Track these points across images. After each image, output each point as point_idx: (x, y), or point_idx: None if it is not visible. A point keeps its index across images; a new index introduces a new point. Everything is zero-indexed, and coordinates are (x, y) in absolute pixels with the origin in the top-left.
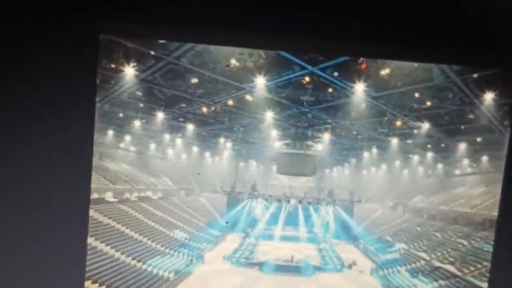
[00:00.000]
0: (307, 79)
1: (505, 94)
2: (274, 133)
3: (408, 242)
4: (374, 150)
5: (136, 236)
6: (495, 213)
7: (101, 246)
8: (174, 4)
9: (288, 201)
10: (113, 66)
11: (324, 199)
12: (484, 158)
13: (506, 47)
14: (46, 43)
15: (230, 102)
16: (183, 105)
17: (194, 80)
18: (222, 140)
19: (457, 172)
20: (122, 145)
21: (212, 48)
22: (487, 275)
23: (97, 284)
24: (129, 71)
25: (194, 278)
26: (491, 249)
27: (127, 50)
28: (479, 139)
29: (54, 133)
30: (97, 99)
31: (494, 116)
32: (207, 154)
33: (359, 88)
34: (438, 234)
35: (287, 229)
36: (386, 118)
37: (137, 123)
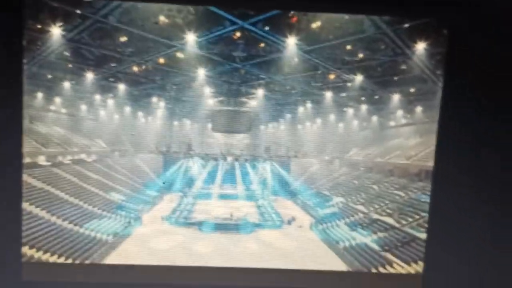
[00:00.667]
0: (238, 34)
1: (436, 43)
2: (208, 90)
3: (345, 196)
4: (309, 105)
5: (71, 199)
6: (430, 163)
7: (36, 210)
8: None
9: (225, 159)
10: (39, 26)
11: (260, 155)
12: (418, 109)
13: None
14: None
15: (161, 60)
16: (113, 64)
17: (123, 39)
18: (154, 99)
19: (392, 123)
20: (52, 107)
21: (140, 5)
22: (425, 225)
23: (34, 249)
24: (56, 31)
25: (133, 240)
26: (428, 200)
27: (53, 9)
28: (412, 90)
29: None
30: (24, 61)
31: (427, 66)
32: (140, 114)
33: (291, 42)
34: (375, 187)
35: (225, 187)
36: (319, 72)
37: (66, 85)
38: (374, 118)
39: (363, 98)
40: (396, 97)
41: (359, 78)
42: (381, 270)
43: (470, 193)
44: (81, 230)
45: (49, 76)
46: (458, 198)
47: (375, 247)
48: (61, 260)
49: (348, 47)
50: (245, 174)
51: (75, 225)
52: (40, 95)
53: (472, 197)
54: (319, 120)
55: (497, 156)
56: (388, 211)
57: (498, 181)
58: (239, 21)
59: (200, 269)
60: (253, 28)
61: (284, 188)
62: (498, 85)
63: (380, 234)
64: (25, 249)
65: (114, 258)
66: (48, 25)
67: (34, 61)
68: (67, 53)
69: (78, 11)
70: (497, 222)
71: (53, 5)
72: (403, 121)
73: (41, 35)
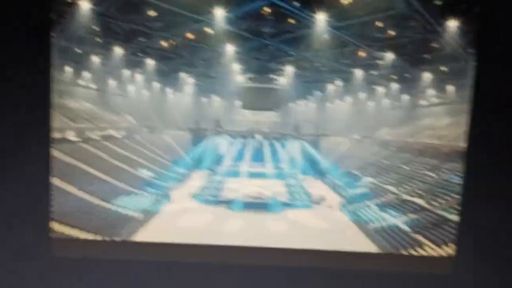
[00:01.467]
0: (267, 9)
1: (469, 21)
2: (236, 66)
3: (376, 176)
4: (338, 82)
5: (101, 175)
6: (463, 144)
7: (66, 186)
8: None
9: (254, 137)
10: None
11: (290, 133)
12: (450, 88)
13: None
14: None
15: (190, 36)
16: (142, 39)
17: (152, 13)
18: (183, 75)
19: (423, 102)
20: (81, 82)
21: None
22: (457, 207)
23: (63, 225)
24: (85, 5)
25: (162, 217)
26: (460, 181)
27: None
28: (444, 68)
29: (10, 72)
30: (53, 34)
31: (459, 44)
32: (169, 90)
33: (321, 18)
34: (406, 167)
35: (254, 165)
36: (349, 49)
37: (95, 59)
38: (405, 97)
39: (393, 76)
40: (427, 76)
41: (389, 56)
42: (412, 252)
43: (503, 174)
44: (110, 206)
45: (78, 50)
46: (491, 179)
47: (406, 228)
48: (90, 236)
49: (379, 24)
50: (274, 152)
51: (104, 201)
52: (69, 69)
53: (505, 178)
54: (348, 98)
55: None
56: (419, 192)
57: None
58: None
59: (229, 248)
60: (282, 4)
61: (313, 167)
62: None
63: (411, 216)
64: (54, 225)
65: (143, 235)
66: None
67: (63, 34)
68: (95, 27)
69: None
70: None
71: None
72: (435, 100)
73: (70, 8)
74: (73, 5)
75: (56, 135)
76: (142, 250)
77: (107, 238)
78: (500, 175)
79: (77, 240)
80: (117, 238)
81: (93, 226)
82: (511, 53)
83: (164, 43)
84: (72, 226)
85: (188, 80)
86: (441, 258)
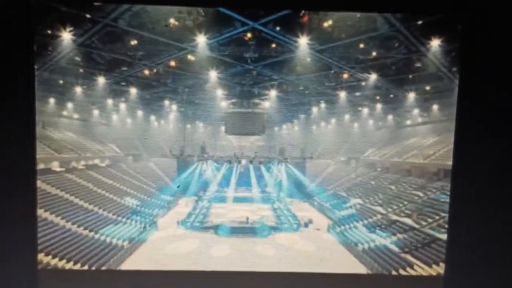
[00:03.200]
0: (249, 35)
1: (451, 39)
2: (220, 92)
3: (363, 197)
4: (323, 105)
5: (86, 205)
6: (449, 162)
7: (51, 217)
8: None
9: (239, 162)
10: (49, 32)
11: (275, 157)
12: (435, 107)
13: None
14: None
15: (173, 63)
16: (124, 68)
17: (134, 42)
18: (167, 102)
19: (408, 122)
20: (64, 112)
21: (150, 8)
22: (446, 226)
23: (50, 256)
24: (66, 36)
25: (149, 245)
26: (447, 200)
27: (62, 14)
28: (428, 88)
29: None
30: (36, 66)
31: (442, 63)
32: (153, 117)
33: (303, 42)
34: (393, 187)
35: (240, 190)
36: (332, 71)
37: (78, 90)
38: (390, 117)
39: (378, 97)
40: (411, 96)
41: (373, 77)
42: (402, 272)
43: (490, 191)
44: (97, 236)
45: (61, 81)
46: (478, 197)
47: (395, 248)
48: (77, 266)
49: (361, 45)
50: (260, 177)
51: (90, 231)
52: (52, 100)
53: (492, 195)
54: (333, 120)
55: None
56: (407, 211)
57: None
58: (250, 22)
59: (217, 274)
60: (264, 29)
61: (300, 190)
62: None
63: (400, 236)
64: (41, 256)
65: (131, 263)
66: (58, 30)
67: (46, 66)
68: (78, 58)
69: (87, 16)
70: None
71: (62, 10)
72: (420, 119)
73: (52, 40)
74: (55, 37)
75: (40, 166)
76: (130, 279)
77: (94, 268)
78: (487, 192)
79: (64, 271)
80: (104, 268)
81: (80, 257)
82: (494, 70)
83: (146, 72)
84: (59, 257)
85: (172, 107)
86: (431, 277)
